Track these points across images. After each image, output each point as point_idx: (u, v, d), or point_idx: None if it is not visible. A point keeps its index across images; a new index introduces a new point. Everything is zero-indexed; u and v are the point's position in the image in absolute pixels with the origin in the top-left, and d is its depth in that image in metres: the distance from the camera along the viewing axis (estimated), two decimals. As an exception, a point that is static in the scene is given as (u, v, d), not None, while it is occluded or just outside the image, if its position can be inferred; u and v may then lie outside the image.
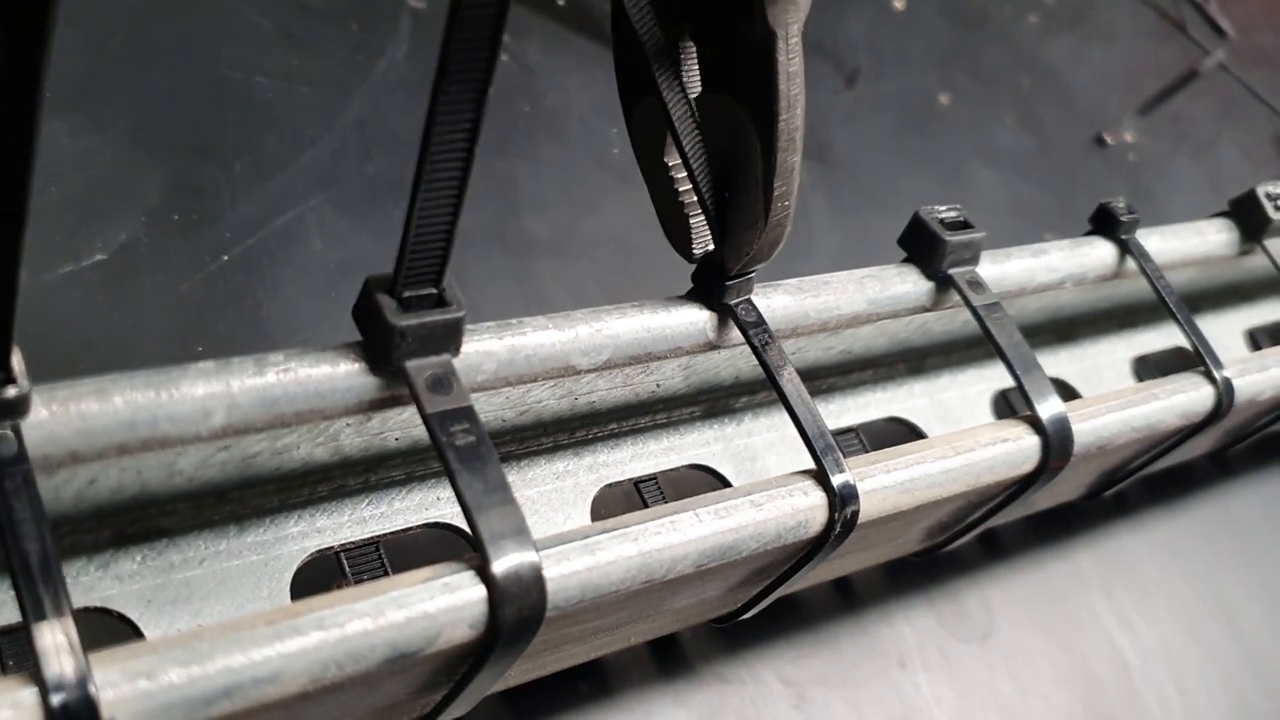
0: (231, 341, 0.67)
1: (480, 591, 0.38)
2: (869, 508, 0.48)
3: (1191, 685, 0.79)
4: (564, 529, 0.53)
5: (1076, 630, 0.77)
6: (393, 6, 0.90)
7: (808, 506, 0.46)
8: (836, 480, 0.47)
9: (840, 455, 0.48)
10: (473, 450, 0.40)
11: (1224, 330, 0.88)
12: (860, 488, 0.47)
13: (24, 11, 0.23)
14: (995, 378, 0.73)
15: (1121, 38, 1.42)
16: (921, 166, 1.08)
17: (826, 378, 0.65)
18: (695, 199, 0.49)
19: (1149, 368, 0.82)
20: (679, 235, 0.51)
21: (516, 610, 0.38)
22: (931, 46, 1.23)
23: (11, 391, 0.33)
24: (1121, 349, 0.80)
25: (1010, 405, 0.72)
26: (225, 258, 0.70)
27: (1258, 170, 1.34)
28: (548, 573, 0.39)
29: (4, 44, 0.23)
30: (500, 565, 0.38)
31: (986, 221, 1.04)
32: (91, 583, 0.44)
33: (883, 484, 0.49)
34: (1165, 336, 0.84)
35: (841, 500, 0.47)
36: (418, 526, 0.51)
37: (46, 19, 0.23)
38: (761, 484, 0.47)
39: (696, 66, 0.48)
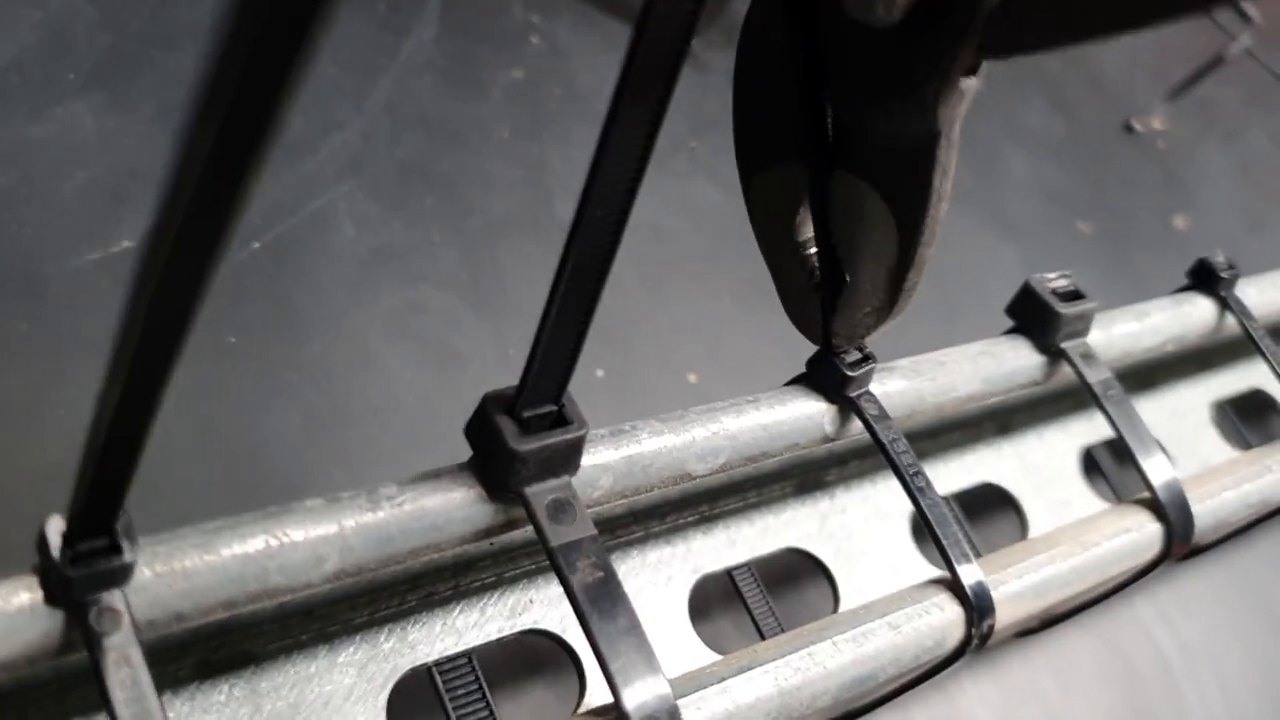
0: (264, 332, 0.65)
1: (621, 750, 0.35)
2: (1005, 616, 0.45)
3: (1233, 682, 0.77)
4: (663, 627, 0.50)
5: (1117, 628, 0.75)
6: None
7: (944, 624, 0.43)
8: (971, 590, 0.44)
9: (974, 559, 0.44)
10: (601, 587, 0.36)
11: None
12: (995, 596, 0.44)
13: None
14: (1080, 433, 0.70)
15: (1147, 21, 1.40)
16: (955, 150, 1.06)
17: (918, 443, 0.62)
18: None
19: (1227, 413, 0.79)
20: (806, 316, 0.47)
21: (661, 771, 0.35)
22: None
23: (118, 560, 0.30)
24: (1200, 394, 0.77)
25: (1097, 463, 0.69)
26: (255, 245, 0.68)
27: (1285, 157, 1.32)
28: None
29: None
30: (637, 715, 0.35)
31: (1019, 208, 1.02)
32: (178, 719, 0.40)
33: (1016, 590, 0.46)
34: (1241, 377, 0.80)
35: (979, 613, 0.43)
36: (512, 635, 0.47)
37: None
38: (894, 600, 0.43)
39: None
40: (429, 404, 0.66)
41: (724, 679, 0.38)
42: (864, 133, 0.42)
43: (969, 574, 0.43)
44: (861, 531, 0.57)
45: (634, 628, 0.36)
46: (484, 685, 0.46)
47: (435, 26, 0.86)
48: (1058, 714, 0.71)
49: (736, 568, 0.54)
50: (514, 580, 0.48)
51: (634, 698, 0.35)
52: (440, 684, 0.45)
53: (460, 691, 0.46)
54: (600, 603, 0.36)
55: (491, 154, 0.81)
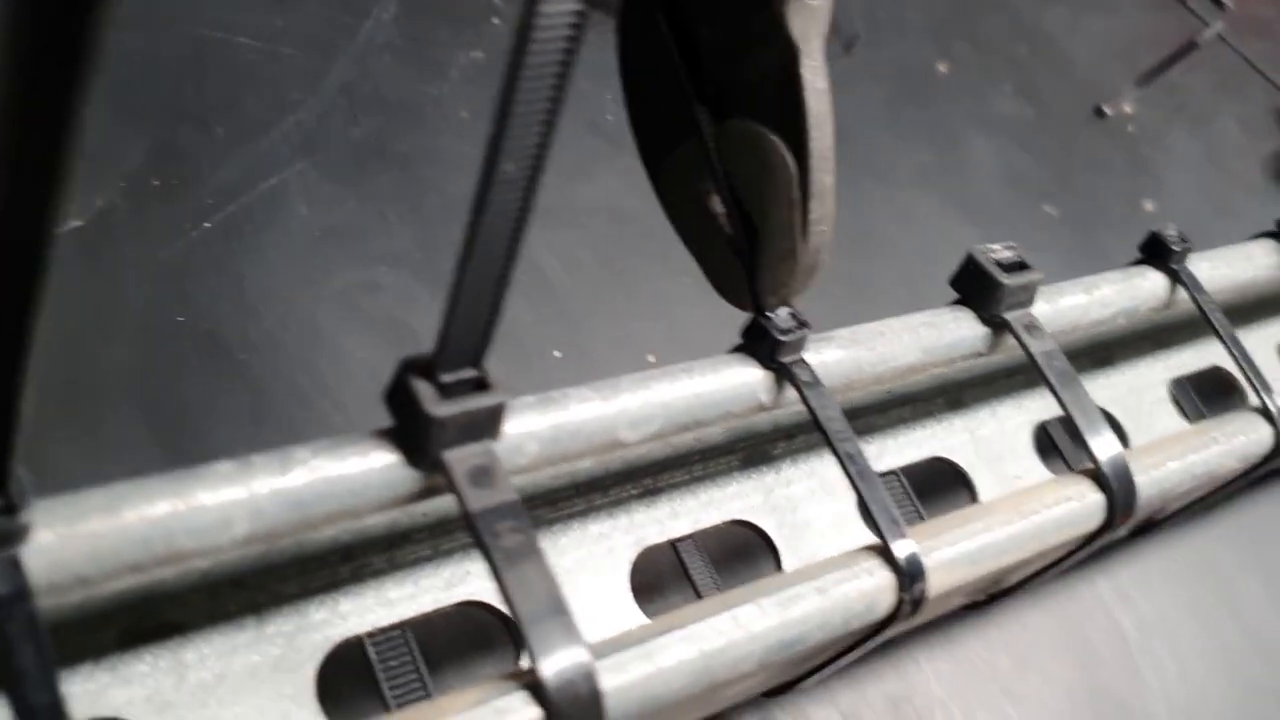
0: (214, 310, 0.65)
1: (534, 712, 0.34)
2: (936, 583, 0.44)
3: (1190, 659, 0.77)
4: (604, 598, 0.50)
5: (1075, 604, 0.75)
6: None
7: (874, 589, 0.43)
8: (902, 557, 0.43)
9: (904, 528, 0.44)
10: (521, 551, 0.36)
11: (1255, 345, 0.85)
12: (926, 563, 0.44)
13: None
14: (1034, 409, 0.69)
15: (1120, 8, 1.40)
16: (919, 136, 1.06)
17: (866, 416, 0.62)
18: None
19: (1185, 389, 0.79)
20: (733, 285, 0.47)
21: (575, 733, 0.34)
22: (929, 14, 1.21)
23: (12, 521, 0.30)
24: (1158, 371, 0.77)
25: (1051, 438, 0.69)
26: (207, 224, 0.68)
27: (1255, 142, 1.33)
28: (605, 684, 0.36)
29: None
30: (554, 680, 0.34)
31: (985, 192, 1.02)
32: (99, 690, 0.40)
33: (949, 557, 0.45)
34: (1200, 354, 0.80)
35: (910, 579, 0.43)
36: (447, 607, 0.47)
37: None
38: (824, 566, 0.43)
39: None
40: (381, 381, 0.66)
41: (645, 641, 0.38)
42: (741, 71, 0.43)
43: (899, 539, 0.43)
44: (806, 504, 0.57)
45: (553, 592, 0.36)
46: (417, 656, 0.46)
47: (394, 7, 0.85)
48: (1013, 690, 0.71)
49: (680, 539, 0.54)
50: (450, 553, 0.48)
51: (551, 661, 0.35)
52: (373, 655, 0.45)
53: (393, 662, 0.45)
54: (519, 567, 0.36)
55: (449, 134, 0.81)
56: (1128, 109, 1.23)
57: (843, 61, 1.07)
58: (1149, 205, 1.14)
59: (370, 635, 0.45)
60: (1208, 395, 0.83)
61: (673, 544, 0.54)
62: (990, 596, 0.62)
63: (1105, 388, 0.75)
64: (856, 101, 1.04)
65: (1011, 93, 1.16)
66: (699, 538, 0.55)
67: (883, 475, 0.61)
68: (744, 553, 0.60)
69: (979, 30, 1.22)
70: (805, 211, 0.43)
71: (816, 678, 0.51)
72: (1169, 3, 1.43)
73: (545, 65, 0.30)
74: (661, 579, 0.58)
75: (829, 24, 0.42)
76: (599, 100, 0.89)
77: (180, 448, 0.59)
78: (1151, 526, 0.73)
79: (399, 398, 0.37)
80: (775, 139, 0.43)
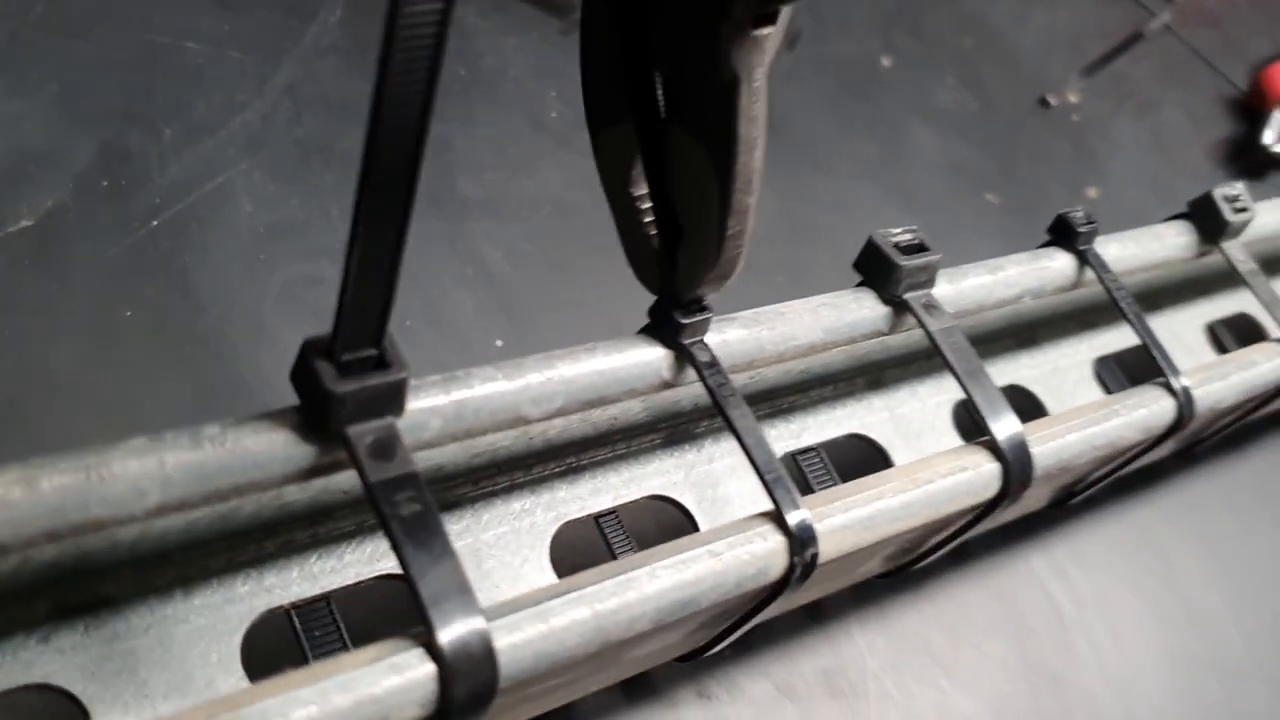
0: (159, 306, 0.67)
1: (429, 669, 0.37)
2: (828, 548, 0.47)
3: (1125, 631, 0.79)
4: (523, 572, 0.52)
5: (1010, 579, 0.78)
6: None
7: (766, 552, 0.45)
8: (793, 522, 0.46)
9: (797, 495, 0.47)
10: (417, 520, 0.39)
11: (1184, 325, 0.88)
12: (819, 528, 0.47)
13: None
14: (955, 389, 0.71)
15: (1067, 0, 1.42)
16: (862, 128, 1.09)
17: (787, 396, 0.64)
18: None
19: (1111, 368, 0.81)
20: (645, 266, 0.50)
21: (468, 686, 0.37)
22: (875, 8, 1.23)
23: (-72, 489, 0.32)
24: (1083, 350, 0.80)
25: (971, 417, 0.72)
26: (154, 223, 0.70)
27: (1201, 130, 1.35)
28: (498, 644, 0.38)
29: None
30: (448, 639, 0.37)
31: (927, 182, 1.05)
32: (32, 658, 0.42)
33: (842, 522, 0.48)
34: (1127, 335, 0.83)
35: (800, 543, 0.46)
36: (370, 579, 0.50)
37: None
38: (718, 531, 0.46)
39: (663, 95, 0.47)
40: (321, 372, 0.68)
41: (539, 603, 0.40)
42: (686, 84, 0.45)
43: (790, 505, 0.46)
44: (727, 480, 0.60)
45: (447, 556, 0.38)
46: (341, 626, 0.48)
47: (340, 9, 0.88)
48: (947, 664, 0.73)
49: (602, 515, 0.56)
50: (373, 528, 0.51)
51: (445, 619, 0.37)
52: (298, 625, 0.48)
53: (317, 632, 0.48)
54: (417, 536, 0.38)
55: (394, 133, 0.83)
56: (1073, 99, 1.25)
57: (786, 58, 1.09)
58: (1092, 192, 1.17)
59: (295, 605, 0.47)
60: (1138, 376, 0.85)
61: (595, 519, 0.56)
62: (908, 564, 0.64)
63: (1029, 366, 0.77)
64: (799, 96, 1.07)
65: (955, 85, 1.19)
66: (621, 513, 0.57)
67: (803, 451, 0.64)
68: (666, 528, 0.63)
69: (924, 24, 1.24)
70: (723, 228, 0.45)
71: (725, 642, 0.54)
72: (1118, -6, 1.46)
73: (419, 39, 0.32)
74: (584, 554, 0.60)
75: (776, 49, 0.43)
76: (543, 97, 0.92)
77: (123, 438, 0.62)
78: (1072, 498, 0.75)
79: (302, 376, 0.39)
80: (703, 156, 0.45)
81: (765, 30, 0.41)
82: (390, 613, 0.54)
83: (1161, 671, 0.80)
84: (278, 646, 0.48)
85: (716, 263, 0.46)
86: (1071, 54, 1.32)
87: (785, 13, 0.42)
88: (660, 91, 0.46)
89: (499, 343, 0.76)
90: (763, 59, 0.42)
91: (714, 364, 0.48)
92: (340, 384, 0.38)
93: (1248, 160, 1.31)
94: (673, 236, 0.48)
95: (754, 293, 0.56)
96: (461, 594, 0.38)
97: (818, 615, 0.70)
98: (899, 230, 0.57)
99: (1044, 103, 1.22)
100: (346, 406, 0.39)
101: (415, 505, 0.39)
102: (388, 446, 0.40)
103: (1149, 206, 1.21)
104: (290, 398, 0.68)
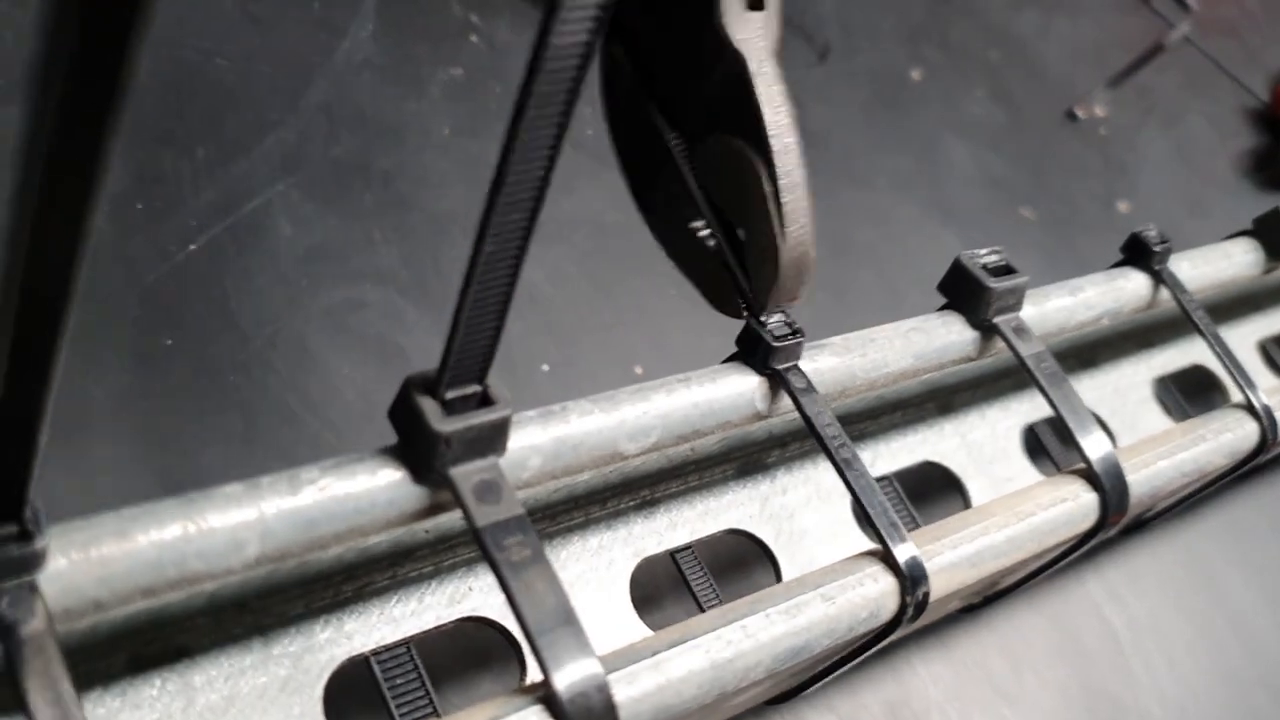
0: (201, 333, 0.65)
1: (550, 725, 0.34)
2: (939, 586, 0.45)
3: (1180, 656, 0.78)
4: (605, 611, 0.50)
5: (1066, 605, 0.76)
6: None
7: (878, 594, 0.43)
8: (903, 559, 0.44)
9: (905, 531, 0.45)
10: (529, 564, 0.36)
11: (1237, 343, 0.86)
12: (928, 566, 0.44)
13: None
14: (1022, 411, 0.70)
15: (1088, 11, 1.42)
16: (895, 141, 1.07)
17: (859, 423, 0.62)
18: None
19: (1169, 388, 0.80)
20: (723, 297, 0.48)
21: (591, 745, 0.35)
22: (901, 21, 1.22)
23: (28, 547, 0.30)
24: (1143, 371, 0.78)
25: (1039, 440, 0.70)
26: (192, 247, 0.68)
27: (1225, 140, 1.34)
28: (617, 697, 0.36)
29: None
30: (567, 692, 0.35)
31: (962, 196, 1.04)
32: (109, 715, 0.40)
33: (950, 560, 0.46)
34: (1183, 353, 0.81)
35: (912, 583, 0.44)
36: (450, 622, 0.47)
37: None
38: (827, 573, 0.43)
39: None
40: (369, 399, 0.66)
41: (656, 653, 0.38)
42: (701, 90, 0.45)
43: (900, 544, 0.44)
44: (803, 511, 0.58)
45: (563, 605, 0.36)
46: (423, 673, 0.46)
47: (372, 24, 0.85)
48: (1008, 692, 0.71)
49: (678, 550, 0.54)
50: (452, 569, 0.48)
51: (564, 674, 0.35)
52: (379, 673, 0.45)
53: (399, 680, 0.45)
54: (528, 582, 0.36)
55: (431, 151, 0.81)
56: (1099, 111, 1.24)
57: (817, 71, 1.07)
58: (1123, 206, 1.16)
59: (375, 653, 0.45)
60: (1190, 393, 0.84)
61: (671, 554, 0.54)
62: (986, 599, 0.62)
63: (1091, 388, 0.75)
64: (832, 110, 1.05)
65: (984, 97, 1.17)
66: (697, 548, 0.55)
67: (877, 480, 0.61)
68: (742, 562, 0.61)
69: (950, 36, 1.23)
70: (779, 206, 0.44)
71: (819, 684, 0.52)
72: (1135, 5, 1.45)
73: (553, 93, 0.30)
74: (661, 590, 0.58)
75: (778, 31, 0.44)
76: (579, 117, 0.88)
77: (172, 471, 0.59)
78: (1140, 525, 0.73)
79: (403, 415, 0.37)
80: (740, 143, 0.44)
81: (756, 13, 0.43)
82: (471, 657, 0.52)
83: (1215, 691, 0.78)
84: (359, 695, 0.45)
85: (785, 249, 0.44)
86: (1095, 65, 1.31)
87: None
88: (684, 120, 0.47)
89: (545, 367, 0.74)
90: (765, 35, 0.43)
91: (810, 390, 0.46)
92: (446, 423, 0.36)
93: (1272, 171, 1.30)
94: (738, 249, 0.46)
95: (797, 314, 0.55)
96: (578, 644, 0.35)
97: (880, 649, 0.68)
98: (985, 251, 0.55)
99: (1072, 115, 1.21)
100: (452, 447, 0.36)
101: (525, 550, 0.36)
102: (494, 488, 0.37)
103: (1179, 219, 1.20)
104: (339, 425, 0.65)
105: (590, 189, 0.86)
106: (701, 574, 0.54)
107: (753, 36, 0.43)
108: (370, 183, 0.77)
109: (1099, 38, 1.38)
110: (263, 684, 0.42)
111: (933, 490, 0.67)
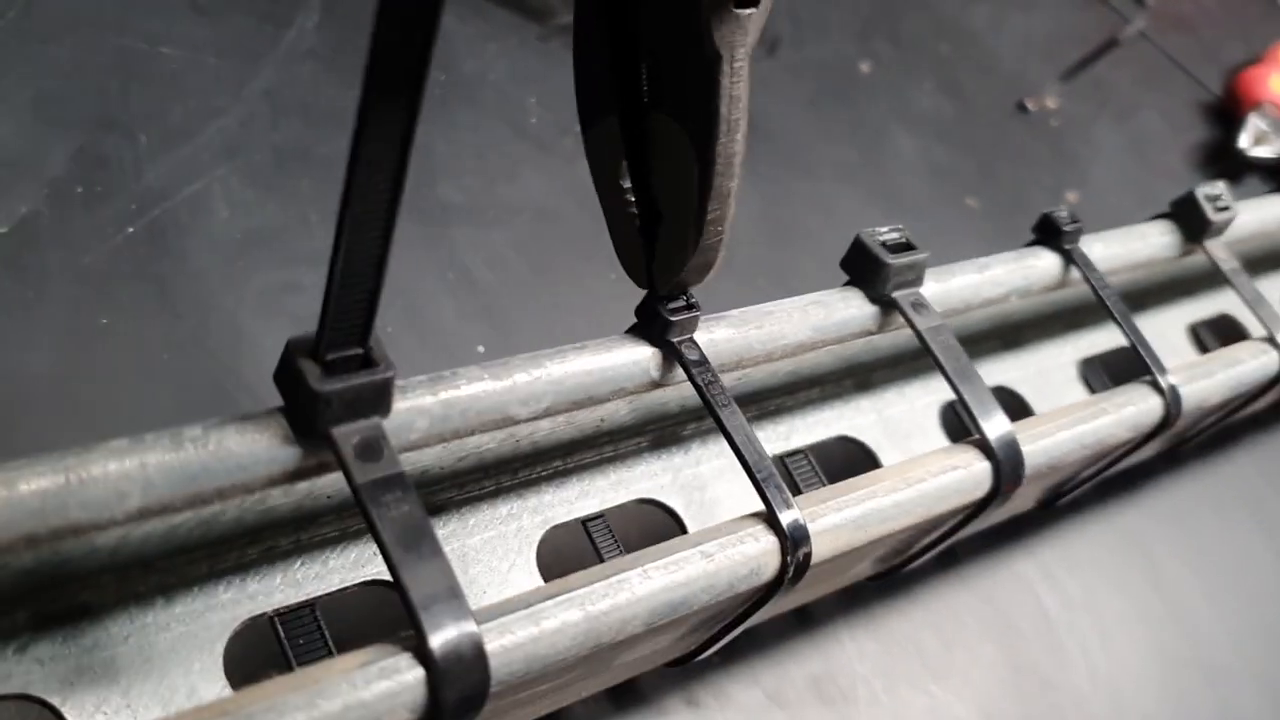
0: (137, 313, 0.66)
1: (419, 673, 0.36)
2: (822, 548, 0.47)
3: (1114, 632, 0.79)
4: (510, 577, 0.52)
5: (999, 584, 0.78)
6: None
7: (759, 552, 0.45)
8: (786, 522, 0.46)
9: (789, 495, 0.46)
10: (406, 521, 0.38)
11: (1167, 326, 0.88)
12: (811, 528, 0.46)
13: None
14: (942, 390, 0.72)
15: (1042, 5, 1.44)
16: (842, 133, 1.09)
17: (774, 398, 0.64)
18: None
19: (1096, 369, 0.81)
20: (633, 263, 0.49)
21: (459, 690, 0.36)
22: (852, 14, 1.23)
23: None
24: (1068, 351, 0.80)
25: (959, 417, 0.71)
26: (130, 229, 0.69)
27: (1178, 134, 1.36)
28: (490, 646, 0.37)
29: None
30: (439, 643, 0.36)
31: (908, 186, 1.05)
32: (9, 669, 0.41)
33: (834, 522, 0.47)
34: (1111, 336, 0.83)
35: (793, 543, 0.45)
36: (354, 585, 0.49)
37: None
38: (710, 531, 0.45)
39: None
40: (302, 378, 0.67)
41: (531, 605, 0.39)
42: (670, 70, 0.45)
43: (783, 505, 0.45)
44: (715, 482, 0.59)
45: (437, 557, 0.38)
46: (325, 633, 0.47)
47: (318, 15, 0.87)
48: (937, 668, 0.73)
49: (589, 518, 0.56)
50: (358, 534, 0.50)
51: (434, 623, 0.36)
52: (281, 632, 0.47)
53: (301, 640, 0.47)
54: (406, 539, 0.38)
55: (374, 139, 0.83)
56: (1050, 104, 1.26)
57: (766, 63, 1.09)
58: (1072, 196, 1.17)
59: (278, 613, 0.46)
60: (1121, 376, 0.86)
61: (583, 523, 0.56)
62: (898, 565, 0.64)
63: (1015, 368, 0.77)
64: (780, 101, 1.07)
65: (933, 90, 1.19)
66: (609, 517, 0.57)
67: (791, 454, 0.63)
68: (654, 532, 0.62)
69: (902, 29, 1.25)
70: (702, 211, 0.45)
71: (717, 645, 0.53)
72: (1091, 0, 1.47)
73: (403, 43, 0.31)
74: (573, 559, 0.59)
75: (759, 32, 0.44)
76: (522, 104, 0.91)
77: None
78: (1060, 498, 0.75)
79: (286, 376, 0.39)
80: (684, 140, 0.45)
81: (747, 10, 0.41)
82: (376, 620, 0.54)
83: (1150, 672, 0.80)
84: (262, 655, 0.47)
85: (696, 248, 0.45)
86: (1048, 59, 1.33)
87: None
88: (645, 81, 0.46)
89: (480, 348, 0.75)
90: (745, 39, 0.42)
91: (702, 362, 0.48)
92: (326, 383, 0.38)
93: (1224, 164, 1.31)
94: (654, 226, 0.47)
95: (737, 294, 0.56)
96: (452, 597, 0.37)
97: (807, 621, 0.70)
98: (886, 229, 0.56)
99: (1022, 108, 1.23)
100: (332, 406, 0.38)
101: (403, 506, 0.38)
102: (374, 447, 0.39)
103: (1128, 209, 1.21)
104: (271, 400, 0.67)
105: (533, 176, 0.87)
106: (612, 543, 0.56)
107: (734, 36, 0.42)
108: (309, 168, 0.78)
109: (1053, 32, 1.39)
110: (165, 639, 0.44)
111: (851, 466, 0.68)
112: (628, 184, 0.48)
